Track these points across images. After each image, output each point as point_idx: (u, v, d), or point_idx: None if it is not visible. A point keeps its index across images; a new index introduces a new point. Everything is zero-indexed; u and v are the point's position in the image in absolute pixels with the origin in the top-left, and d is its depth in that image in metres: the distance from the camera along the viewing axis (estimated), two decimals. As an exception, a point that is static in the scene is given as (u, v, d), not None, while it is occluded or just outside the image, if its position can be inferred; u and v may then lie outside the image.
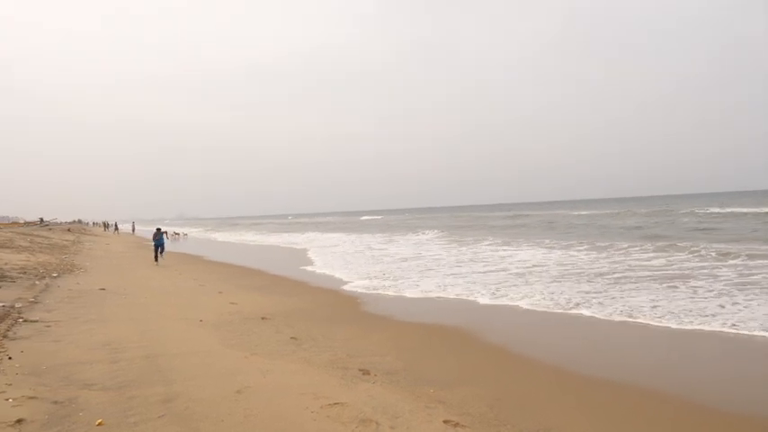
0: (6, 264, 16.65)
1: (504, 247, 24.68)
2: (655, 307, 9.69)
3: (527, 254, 20.84)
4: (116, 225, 74.92)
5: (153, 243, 23.06)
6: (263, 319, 9.62)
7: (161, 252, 22.74)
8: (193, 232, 67.01)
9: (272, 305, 11.28)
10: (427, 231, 42.71)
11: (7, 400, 4.81)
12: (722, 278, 12.53)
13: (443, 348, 7.64)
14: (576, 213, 63.05)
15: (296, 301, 11.89)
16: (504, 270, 16.30)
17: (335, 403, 5.03)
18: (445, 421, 4.73)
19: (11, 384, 5.24)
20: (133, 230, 70.71)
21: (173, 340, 7.75)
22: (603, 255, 19.04)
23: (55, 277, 15.06)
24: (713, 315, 8.89)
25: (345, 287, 14.22)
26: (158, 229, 23.73)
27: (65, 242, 34.33)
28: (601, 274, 14.20)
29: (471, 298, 11.78)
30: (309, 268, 19.65)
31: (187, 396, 5.17)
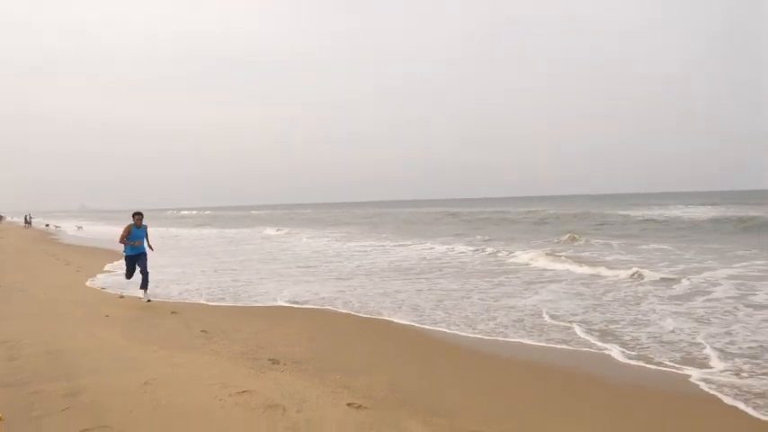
0: None
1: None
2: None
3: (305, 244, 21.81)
4: (27, 218, 64.94)
5: (126, 249, 11.36)
6: (172, 313, 9.56)
7: (142, 270, 11.16)
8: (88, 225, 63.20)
9: (181, 299, 11.18)
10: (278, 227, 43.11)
11: None
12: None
13: (350, 337, 8.01)
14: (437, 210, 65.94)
15: (208, 296, 11.84)
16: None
17: (244, 391, 5.23)
18: (349, 404, 5.06)
19: None
20: (28, 223, 63.55)
21: (76, 336, 7.60)
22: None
23: (-60, 273, 14.00)
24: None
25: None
26: (138, 217, 11.41)
27: (-50, 235, 31.56)
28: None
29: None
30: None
31: (93, 389, 5.20)
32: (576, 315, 8.92)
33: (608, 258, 17.03)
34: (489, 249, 20.01)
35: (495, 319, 8.87)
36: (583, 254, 18.40)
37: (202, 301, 10.91)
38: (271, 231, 39.79)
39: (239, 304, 10.71)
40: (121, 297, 11.35)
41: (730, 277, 12.07)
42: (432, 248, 21.90)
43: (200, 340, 7.61)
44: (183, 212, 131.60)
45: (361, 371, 6.20)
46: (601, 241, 23.03)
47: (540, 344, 7.38)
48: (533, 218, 44.73)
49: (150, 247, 11.67)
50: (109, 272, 16.04)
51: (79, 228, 52.19)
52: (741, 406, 5.08)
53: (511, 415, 4.96)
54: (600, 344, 7.25)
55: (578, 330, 7.90)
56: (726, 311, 8.81)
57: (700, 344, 7.02)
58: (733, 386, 5.56)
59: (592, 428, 4.68)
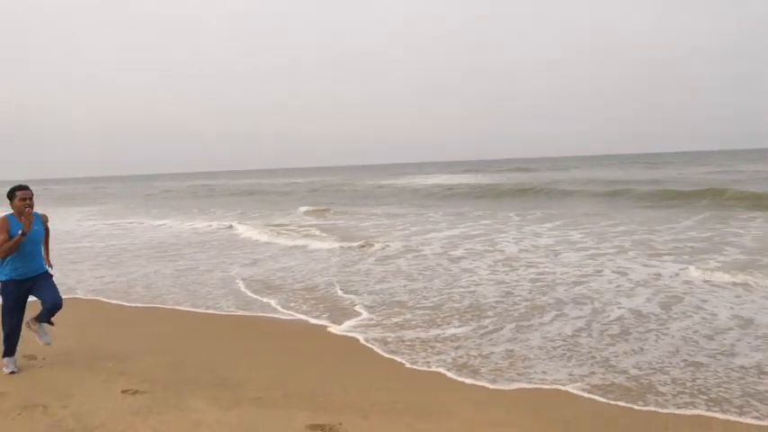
0: None
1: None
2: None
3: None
4: None
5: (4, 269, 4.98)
6: None
7: (48, 302, 5.12)
8: None
9: None
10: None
11: None
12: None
13: (116, 323, 7.49)
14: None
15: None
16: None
17: (-7, 395, 4.57)
18: (123, 391, 4.75)
19: None
20: None
21: None
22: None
23: None
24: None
25: None
26: (23, 194, 4.95)
27: None
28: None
29: None
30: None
31: None
32: (302, 282, 9.44)
33: (352, 223, 18.32)
34: (235, 224, 19.41)
35: (235, 293, 8.87)
36: (339, 222, 19.43)
37: None
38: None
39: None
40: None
41: (447, 237, 13.83)
42: (186, 225, 20.54)
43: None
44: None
45: (138, 354, 5.85)
46: (356, 210, 24.12)
47: (278, 316, 7.53)
48: (296, 189, 45.17)
49: (48, 262, 5.50)
50: None
51: None
52: (380, 351, 5.87)
53: (290, 378, 5.15)
54: (300, 313, 7.56)
55: (299, 299, 8.29)
56: (426, 267, 10.20)
57: (389, 297, 8.05)
58: (379, 337, 6.36)
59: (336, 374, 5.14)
